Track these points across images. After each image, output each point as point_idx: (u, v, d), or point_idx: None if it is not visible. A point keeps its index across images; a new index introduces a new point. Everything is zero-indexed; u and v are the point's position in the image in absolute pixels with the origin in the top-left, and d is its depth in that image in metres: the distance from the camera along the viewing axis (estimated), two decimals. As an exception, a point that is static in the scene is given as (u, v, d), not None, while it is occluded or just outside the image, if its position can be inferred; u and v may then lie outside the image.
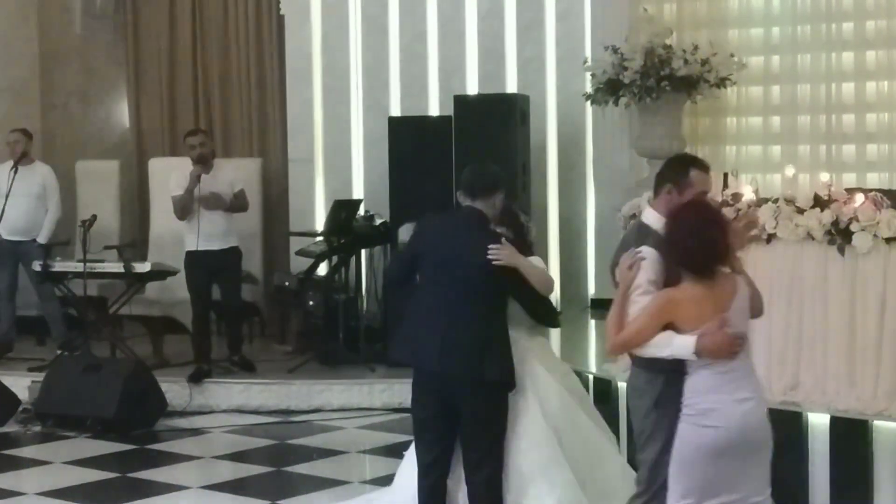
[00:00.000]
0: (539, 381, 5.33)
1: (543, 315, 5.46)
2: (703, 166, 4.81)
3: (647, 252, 4.57)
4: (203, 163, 9.08)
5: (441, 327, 5.17)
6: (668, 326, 4.42)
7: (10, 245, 9.79)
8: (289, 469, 7.46)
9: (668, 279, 4.51)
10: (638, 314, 4.47)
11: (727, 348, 4.35)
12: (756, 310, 4.63)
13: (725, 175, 7.65)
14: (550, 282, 5.36)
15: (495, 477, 5.21)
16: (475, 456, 5.21)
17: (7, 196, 9.70)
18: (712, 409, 4.38)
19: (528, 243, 5.55)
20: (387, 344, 9.29)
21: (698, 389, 4.40)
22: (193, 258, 9.09)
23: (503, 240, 5.18)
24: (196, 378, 8.98)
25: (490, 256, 5.11)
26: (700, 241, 4.39)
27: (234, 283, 9.38)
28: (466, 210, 5.34)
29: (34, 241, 9.82)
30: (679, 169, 4.80)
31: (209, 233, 9.01)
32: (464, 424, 5.21)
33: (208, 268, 9.09)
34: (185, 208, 9.00)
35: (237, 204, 9.24)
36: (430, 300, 5.25)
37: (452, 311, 5.18)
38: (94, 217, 9.39)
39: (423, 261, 5.30)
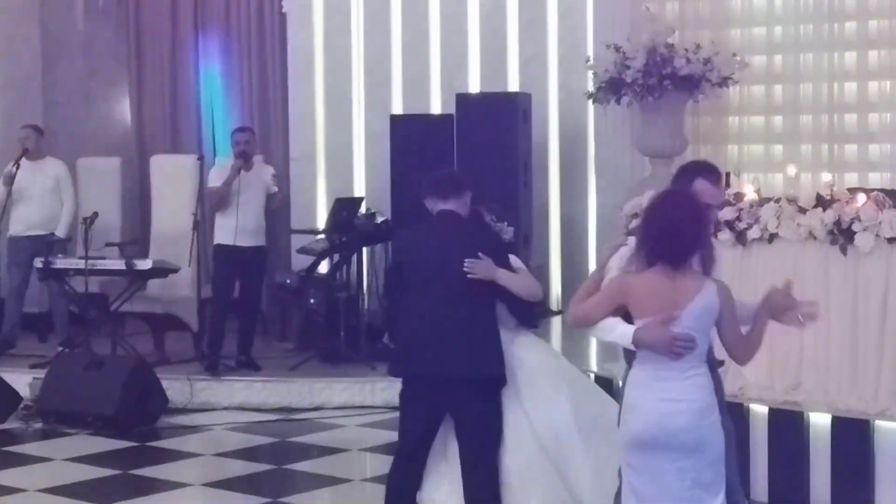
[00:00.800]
0: (518, 379, 5.33)
1: (524, 317, 5.44)
2: (711, 176, 4.70)
3: (631, 241, 4.58)
4: (245, 159, 9.17)
5: (438, 333, 5.26)
6: (626, 314, 4.37)
7: (28, 241, 9.81)
8: (290, 466, 7.46)
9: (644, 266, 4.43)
10: (598, 293, 4.48)
11: (665, 346, 4.23)
12: (739, 348, 4.39)
13: (727, 174, 7.63)
14: (533, 287, 5.32)
15: (494, 475, 5.23)
16: (474, 455, 5.24)
17: (9, 193, 9.72)
18: (635, 404, 4.33)
19: (506, 244, 5.54)
20: (387, 344, 9.32)
21: (631, 383, 4.39)
22: (224, 252, 9.17)
23: (479, 253, 5.20)
24: (214, 368, 9.06)
25: (465, 270, 5.17)
26: (666, 228, 4.28)
27: (257, 282, 9.47)
28: (442, 214, 5.39)
29: (52, 234, 9.83)
30: (686, 177, 4.76)
31: (242, 229, 9.11)
32: (463, 426, 5.25)
33: (236, 263, 9.17)
34: (221, 200, 9.13)
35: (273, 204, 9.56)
36: (424, 309, 5.31)
37: (448, 316, 5.25)
38: (96, 214, 9.40)
39: (411, 272, 5.37)
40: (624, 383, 4.65)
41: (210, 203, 9.26)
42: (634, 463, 4.34)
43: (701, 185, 4.65)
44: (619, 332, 4.34)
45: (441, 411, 5.30)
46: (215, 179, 9.26)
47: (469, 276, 5.17)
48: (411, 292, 5.34)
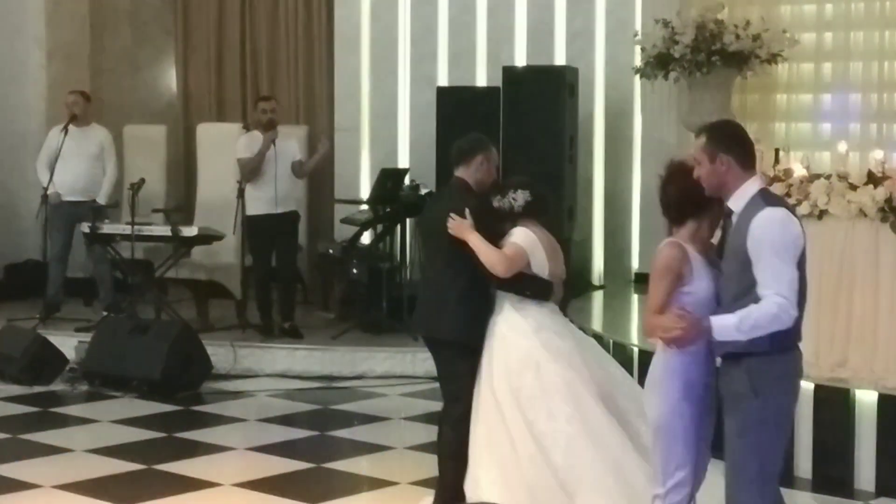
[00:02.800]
0: (494, 354, 5.34)
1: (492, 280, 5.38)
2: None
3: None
4: (274, 128, 9.25)
5: (423, 294, 5.68)
6: None
7: (69, 206, 9.88)
8: (332, 433, 7.51)
9: None
10: None
11: None
12: None
13: (777, 150, 7.60)
14: (494, 259, 5.26)
15: (455, 430, 5.38)
16: (443, 408, 5.60)
17: (58, 157, 9.79)
18: None
19: (509, 214, 5.43)
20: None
21: None
22: (257, 222, 9.24)
23: (466, 211, 5.31)
24: (269, 332, 9.21)
25: (448, 225, 5.33)
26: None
27: (291, 247, 9.54)
28: (450, 181, 5.62)
29: (94, 201, 9.91)
30: None
31: (270, 198, 9.20)
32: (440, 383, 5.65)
33: (270, 231, 9.25)
34: (254, 171, 9.19)
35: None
36: (423, 271, 5.76)
37: (431, 279, 5.62)
38: (143, 180, 9.46)
39: (418, 235, 5.63)
40: None
41: (243, 173, 9.25)
42: None
43: None
44: None
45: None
46: (244, 150, 9.28)
47: (449, 230, 5.32)
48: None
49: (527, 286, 5.38)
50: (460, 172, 5.55)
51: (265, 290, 9.41)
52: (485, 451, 5.28)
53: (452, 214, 5.32)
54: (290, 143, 9.48)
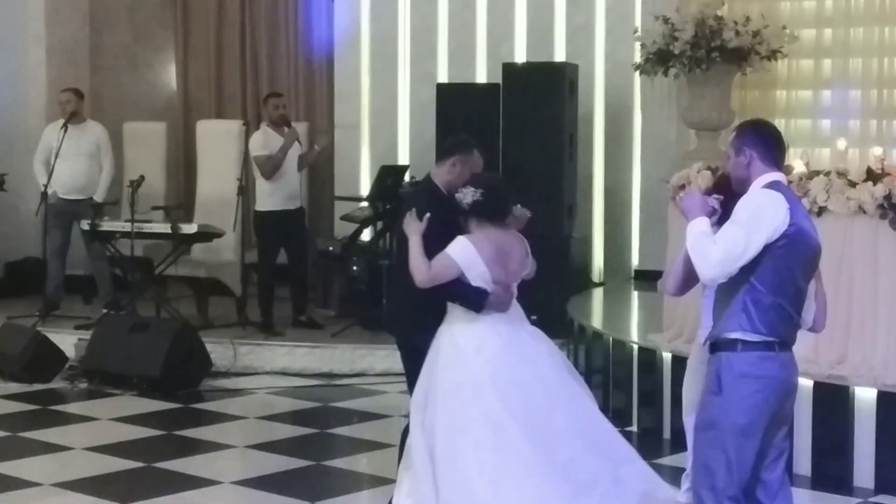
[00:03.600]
0: (436, 367, 5.20)
1: (445, 297, 5.24)
2: None
3: None
4: (290, 123, 9.33)
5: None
6: None
7: (66, 204, 9.88)
8: (332, 431, 7.52)
9: None
10: None
11: None
12: None
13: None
14: (415, 265, 5.11)
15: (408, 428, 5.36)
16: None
17: (57, 155, 9.78)
18: None
19: (459, 211, 5.25)
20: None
21: None
22: (271, 218, 9.27)
23: (425, 214, 5.13)
24: (270, 329, 9.22)
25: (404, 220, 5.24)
26: None
27: (303, 242, 9.60)
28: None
29: (91, 199, 9.91)
30: None
31: (287, 194, 9.27)
32: None
33: (283, 227, 9.30)
34: (275, 168, 9.20)
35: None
36: None
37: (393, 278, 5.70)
38: (142, 177, 9.45)
39: None
40: None
41: (265, 171, 9.24)
42: None
43: None
44: None
45: None
46: (261, 148, 9.27)
47: (403, 226, 5.22)
48: None
49: (455, 296, 5.19)
50: (433, 171, 5.47)
51: (269, 286, 9.42)
52: (405, 461, 5.24)
53: (410, 213, 5.19)
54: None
